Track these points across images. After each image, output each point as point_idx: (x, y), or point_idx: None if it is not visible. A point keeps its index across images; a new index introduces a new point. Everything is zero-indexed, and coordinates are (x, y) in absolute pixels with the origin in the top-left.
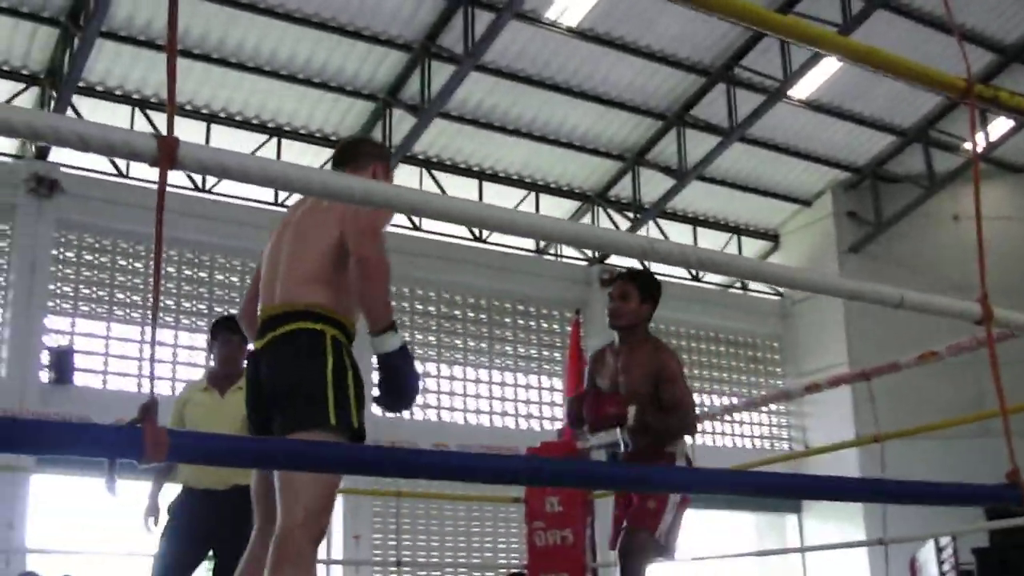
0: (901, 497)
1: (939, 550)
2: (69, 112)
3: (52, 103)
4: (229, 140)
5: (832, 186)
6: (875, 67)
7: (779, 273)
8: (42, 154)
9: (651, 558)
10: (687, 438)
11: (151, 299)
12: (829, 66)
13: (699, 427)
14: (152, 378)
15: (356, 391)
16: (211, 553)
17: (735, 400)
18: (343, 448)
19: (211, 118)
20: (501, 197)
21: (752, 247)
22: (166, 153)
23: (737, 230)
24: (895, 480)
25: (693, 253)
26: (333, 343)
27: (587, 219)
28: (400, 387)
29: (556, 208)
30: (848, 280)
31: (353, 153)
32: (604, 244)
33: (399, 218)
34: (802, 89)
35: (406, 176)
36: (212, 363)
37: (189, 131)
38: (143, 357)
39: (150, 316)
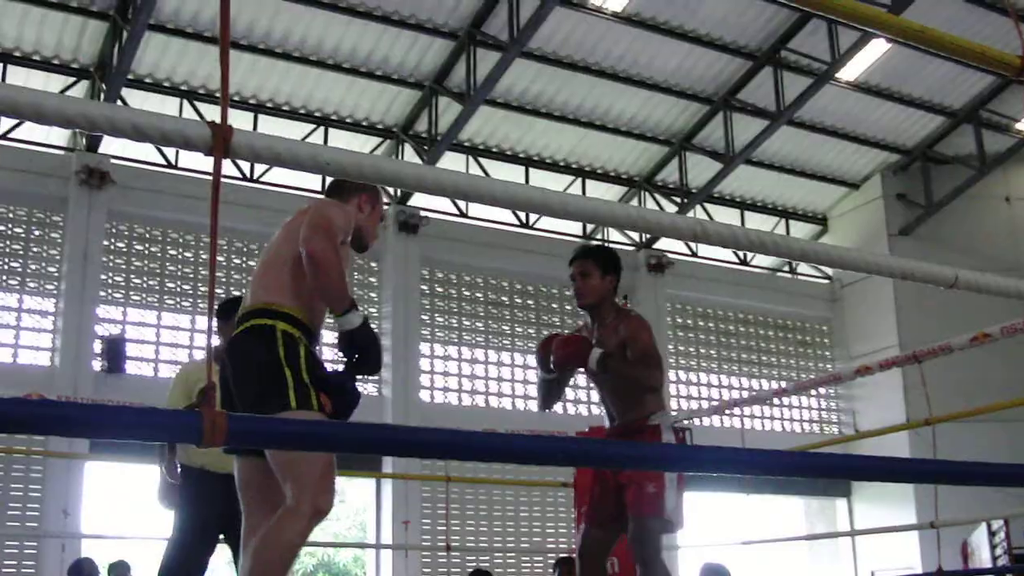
0: (953, 478)
1: (991, 534)
2: (119, 104)
3: (102, 95)
4: (276, 130)
5: (881, 168)
6: (929, 46)
7: (830, 253)
8: (92, 146)
9: (661, 538)
10: (670, 412)
11: (203, 288)
12: (877, 48)
13: (663, 382)
14: (209, 364)
15: (312, 376)
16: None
17: (784, 384)
18: (406, 431)
19: (258, 108)
20: (548, 183)
21: (801, 231)
22: (220, 141)
23: (785, 214)
24: (946, 460)
25: (744, 235)
26: (284, 335)
27: (634, 204)
28: (366, 355)
29: (603, 193)
30: (901, 259)
31: (338, 188)
32: (656, 227)
33: (446, 205)
34: (850, 71)
35: (452, 163)
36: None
37: (237, 121)
38: (194, 345)
39: (200, 305)
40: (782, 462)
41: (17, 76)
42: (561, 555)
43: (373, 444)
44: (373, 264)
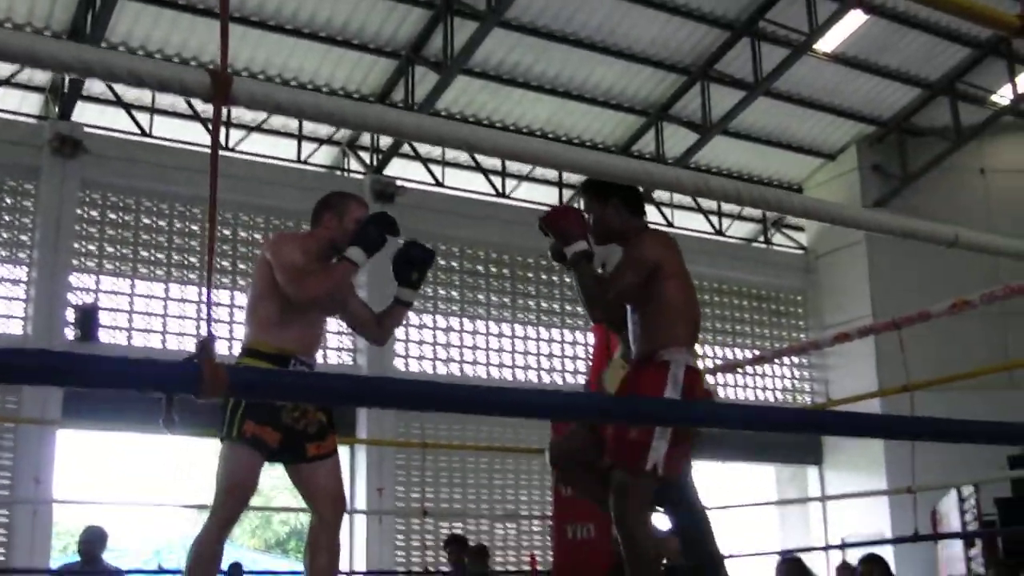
0: (932, 435)
1: (961, 500)
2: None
3: None
4: None
5: (857, 140)
6: (929, 5)
7: (830, 210)
8: (65, 115)
9: (645, 497)
10: (688, 353)
11: (176, 256)
12: (855, 19)
13: (601, 302)
14: (209, 319)
15: (245, 411)
16: None
17: (757, 354)
18: (404, 384)
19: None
20: None
21: None
22: (220, 88)
23: (761, 184)
24: (926, 417)
25: (746, 189)
26: None
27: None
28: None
29: None
30: (902, 218)
31: (313, 215)
32: (659, 181)
33: (421, 174)
34: (828, 42)
35: None
36: None
37: None
38: (167, 314)
39: (174, 273)
40: (771, 418)
41: None
42: (454, 532)
43: (360, 396)
44: None
